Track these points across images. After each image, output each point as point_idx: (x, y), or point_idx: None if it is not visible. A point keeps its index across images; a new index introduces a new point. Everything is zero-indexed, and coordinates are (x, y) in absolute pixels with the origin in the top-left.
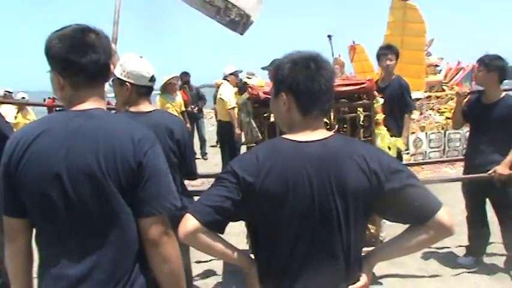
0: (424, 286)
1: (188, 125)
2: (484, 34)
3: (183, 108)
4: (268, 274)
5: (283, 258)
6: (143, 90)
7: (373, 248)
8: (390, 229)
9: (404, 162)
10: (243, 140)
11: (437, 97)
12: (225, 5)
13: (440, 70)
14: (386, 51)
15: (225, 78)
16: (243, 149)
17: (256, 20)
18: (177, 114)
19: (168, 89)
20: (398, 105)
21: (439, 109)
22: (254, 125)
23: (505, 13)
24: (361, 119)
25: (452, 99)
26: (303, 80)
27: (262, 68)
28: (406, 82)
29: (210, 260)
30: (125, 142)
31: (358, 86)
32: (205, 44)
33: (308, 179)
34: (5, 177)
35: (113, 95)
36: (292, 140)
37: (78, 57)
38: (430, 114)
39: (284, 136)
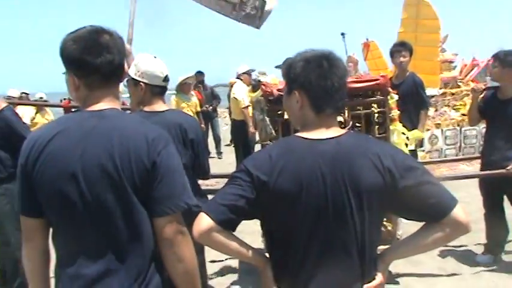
0: (442, 285)
1: (203, 125)
2: (499, 29)
3: (199, 109)
4: (283, 273)
5: (297, 257)
6: (157, 90)
7: (388, 246)
8: (407, 227)
9: (419, 160)
10: (257, 138)
11: (453, 93)
12: (240, 0)
13: (455, 66)
14: (400, 48)
15: (238, 78)
16: (257, 147)
17: (274, 8)
18: (192, 115)
19: (183, 88)
20: (413, 102)
21: (455, 105)
22: (268, 122)
23: None
24: (376, 115)
25: (467, 95)
26: (315, 78)
27: (276, 67)
28: (420, 79)
29: (225, 259)
30: (139, 142)
31: (372, 83)
32: (219, 44)
33: (322, 177)
34: (22, 178)
35: (127, 95)
36: (305, 138)
37: (93, 57)
38: (445, 111)
39: (297, 134)
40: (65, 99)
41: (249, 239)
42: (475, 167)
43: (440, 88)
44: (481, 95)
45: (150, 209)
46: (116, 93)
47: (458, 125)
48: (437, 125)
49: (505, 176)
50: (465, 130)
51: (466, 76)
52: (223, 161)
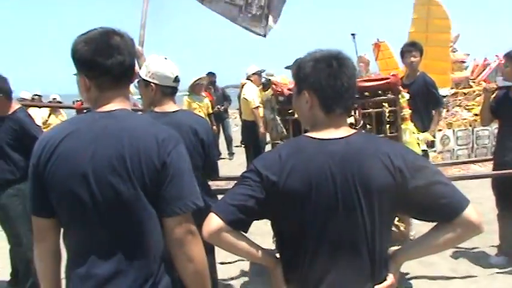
0: (454, 287)
1: (215, 127)
2: (511, 29)
3: (211, 110)
4: (293, 273)
5: (307, 257)
6: (168, 91)
7: (400, 247)
8: (419, 227)
9: (430, 160)
10: (268, 139)
11: (464, 94)
12: (245, 1)
13: (467, 66)
14: (411, 48)
15: (248, 78)
16: (268, 148)
17: (275, 24)
18: (203, 116)
19: (195, 89)
20: (424, 103)
21: (467, 106)
22: (279, 121)
23: None
24: (387, 114)
25: (479, 95)
26: (325, 78)
27: (286, 67)
28: (431, 78)
29: (236, 261)
30: (149, 142)
31: (383, 81)
32: (229, 45)
33: (331, 177)
34: (33, 178)
35: (139, 96)
36: (315, 138)
37: (104, 59)
38: (456, 111)
39: (307, 134)
40: (77, 101)
41: (260, 240)
42: (487, 167)
43: (452, 88)
44: (493, 95)
45: (160, 209)
46: (126, 94)
47: (470, 126)
48: (449, 125)
49: None
50: (477, 130)
51: (478, 76)
52: (234, 162)
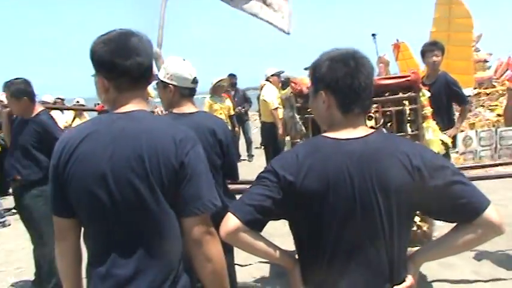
0: None
1: (237, 129)
2: None
3: (232, 112)
4: (311, 273)
5: (325, 258)
6: (186, 92)
7: (419, 248)
8: (441, 229)
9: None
10: (287, 139)
11: (487, 94)
12: None
13: (490, 66)
14: (433, 47)
15: (267, 80)
16: (288, 148)
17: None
18: (224, 117)
19: (217, 90)
20: (446, 102)
21: (490, 106)
22: (298, 119)
23: None
24: (407, 112)
25: (503, 95)
26: (342, 78)
27: (305, 69)
28: (452, 77)
29: (257, 262)
30: (167, 143)
31: (403, 79)
32: (249, 47)
33: (349, 177)
34: (53, 178)
35: (159, 99)
36: (332, 138)
37: (123, 60)
38: (479, 112)
39: (324, 134)
40: (99, 103)
41: (279, 241)
42: (511, 168)
43: (475, 88)
44: None
45: (178, 210)
46: (144, 95)
47: (493, 126)
48: (472, 126)
49: None
50: (501, 131)
51: (501, 76)
52: (253, 164)
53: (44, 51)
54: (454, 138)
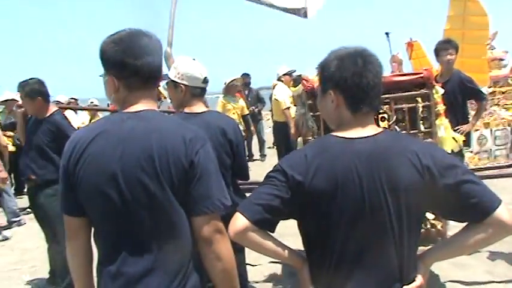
0: None
1: (252, 128)
2: None
3: (245, 112)
4: (320, 273)
5: (334, 257)
6: (197, 92)
7: (429, 247)
8: (454, 229)
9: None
10: (299, 139)
11: (503, 92)
12: None
13: (506, 64)
14: (447, 45)
15: (279, 79)
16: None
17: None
18: (237, 117)
19: (230, 90)
20: (460, 101)
21: (505, 104)
22: (309, 115)
23: None
24: (420, 109)
25: None
26: (350, 77)
27: (317, 68)
28: (466, 75)
29: (268, 262)
30: (177, 142)
31: (416, 76)
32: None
33: (358, 177)
34: (64, 178)
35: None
36: (341, 137)
37: (133, 59)
38: (494, 110)
39: (333, 133)
40: (111, 103)
41: (290, 240)
42: None
43: (490, 87)
44: None
45: (188, 209)
46: (153, 95)
47: (509, 125)
48: (486, 125)
49: None
50: None
51: None
52: (266, 163)
53: (58, 51)
54: (468, 137)
